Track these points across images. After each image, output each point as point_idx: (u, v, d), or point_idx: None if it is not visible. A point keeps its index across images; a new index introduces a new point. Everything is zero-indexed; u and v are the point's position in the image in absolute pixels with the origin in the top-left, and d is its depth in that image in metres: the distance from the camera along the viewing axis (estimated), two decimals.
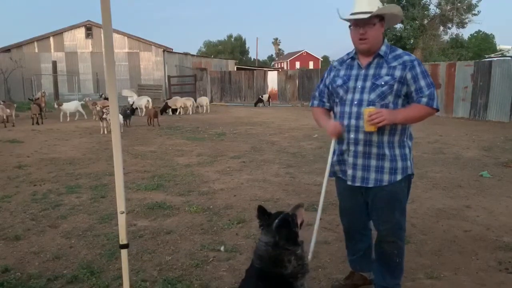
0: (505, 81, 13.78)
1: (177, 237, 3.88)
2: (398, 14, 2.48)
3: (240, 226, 4.13)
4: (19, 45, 28.06)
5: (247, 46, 74.35)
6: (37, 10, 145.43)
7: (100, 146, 9.25)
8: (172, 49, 30.87)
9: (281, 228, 2.12)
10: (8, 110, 13.61)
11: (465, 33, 70.81)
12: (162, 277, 3.09)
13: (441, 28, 29.78)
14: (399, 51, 2.50)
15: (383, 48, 2.46)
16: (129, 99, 18.90)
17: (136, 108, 16.85)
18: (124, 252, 2.26)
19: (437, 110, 2.43)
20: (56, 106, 15.74)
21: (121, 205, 2.19)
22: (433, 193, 5.30)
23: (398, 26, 25.74)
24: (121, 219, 2.21)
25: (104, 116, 11.38)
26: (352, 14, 2.38)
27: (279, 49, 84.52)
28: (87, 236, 3.92)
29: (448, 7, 27.27)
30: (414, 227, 4.05)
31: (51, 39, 28.55)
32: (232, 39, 72.30)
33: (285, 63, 76.44)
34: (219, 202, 4.98)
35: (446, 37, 32.12)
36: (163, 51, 29.75)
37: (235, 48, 70.25)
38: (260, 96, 23.23)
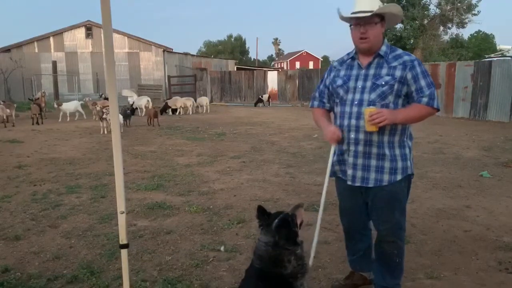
0: (505, 81, 13.78)
1: (177, 237, 3.88)
2: (398, 14, 2.49)
3: (240, 226, 4.13)
4: (19, 45, 28.07)
5: (247, 46, 74.48)
6: (37, 10, 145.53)
7: (100, 146, 9.25)
8: (172, 49, 30.88)
9: (281, 228, 2.12)
10: (8, 110, 13.61)
11: (465, 33, 70.96)
12: (162, 277, 3.09)
13: (441, 28, 29.79)
14: (399, 51, 2.50)
15: (383, 48, 2.47)
16: (129, 99, 18.91)
17: (136, 108, 16.85)
18: (124, 252, 2.26)
19: (438, 109, 2.43)
20: (55, 106, 15.74)
21: (121, 205, 2.19)
22: (433, 193, 5.30)
23: (398, 26, 25.74)
24: (121, 219, 2.21)
25: (104, 116, 11.38)
26: (353, 13, 2.39)
27: (279, 49, 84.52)
28: (87, 236, 3.92)
29: (448, 7, 27.27)
30: (414, 227, 4.05)
31: (51, 39, 28.56)
32: (232, 39, 72.31)
33: (285, 63, 76.44)
34: (219, 202, 4.98)
35: (446, 37, 32.16)
36: (163, 51, 29.76)
37: (235, 48, 70.26)
38: (260, 96, 23.23)
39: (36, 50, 28.25)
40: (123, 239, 2.24)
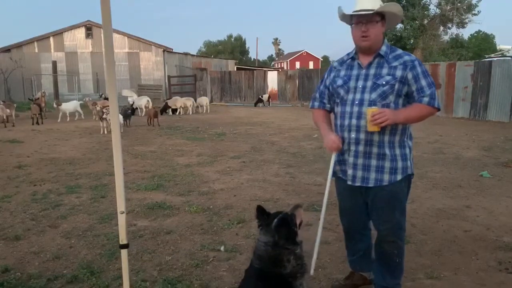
0: (505, 81, 13.78)
1: (177, 237, 3.88)
2: (398, 14, 2.49)
3: (240, 226, 4.13)
4: (19, 45, 28.06)
5: (247, 46, 74.50)
6: (37, 10, 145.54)
7: (100, 146, 9.25)
8: (172, 49, 30.87)
9: (280, 227, 2.12)
10: (8, 110, 13.61)
11: (465, 33, 70.99)
12: (162, 277, 3.09)
13: (441, 28, 29.81)
14: (399, 51, 2.51)
15: (384, 48, 2.47)
16: (129, 99, 18.90)
17: (136, 108, 16.85)
18: (124, 252, 2.26)
19: (439, 109, 2.43)
20: (55, 106, 15.74)
21: (121, 205, 2.19)
22: (433, 193, 5.30)
23: (398, 26, 25.74)
24: (121, 219, 2.21)
25: (104, 116, 11.38)
26: (354, 11, 2.39)
27: (279, 49, 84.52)
28: (87, 236, 3.92)
29: (448, 7, 27.29)
30: (414, 227, 4.05)
31: (51, 39, 28.55)
32: (232, 39, 72.32)
33: (285, 63, 76.44)
34: (219, 202, 4.98)
35: (446, 37, 32.20)
36: (163, 51, 29.75)
37: (235, 48, 70.26)
38: (260, 96, 23.23)
39: (36, 50, 28.24)
40: (123, 239, 2.24)
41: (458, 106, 15.43)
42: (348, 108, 2.50)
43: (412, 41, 27.62)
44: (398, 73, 2.41)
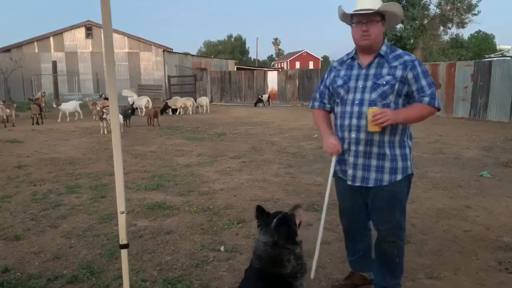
0: (505, 81, 13.78)
1: (177, 237, 3.88)
2: (398, 14, 2.49)
3: (240, 226, 4.13)
4: (19, 45, 28.07)
5: (247, 46, 74.49)
6: (37, 10, 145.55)
7: (100, 146, 9.25)
8: (172, 49, 30.88)
9: (280, 227, 2.12)
10: (8, 110, 13.61)
11: (465, 33, 70.97)
12: (162, 277, 3.09)
13: (441, 28, 29.81)
14: (399, 51, 2.51)
15: (384, 48, 2.47)
16: (129, 99, 18.91)
17: (136, 108, 16.85)
18: (124, 252, 2.26)
19: (439, 109, 2.44)
20: (54, 106, 15.73)
21: (121, 205, 2.19)
22: (433, 193, 5.30)
23: (398, 26, 25.75)
24: (121, 219, 2.21)
25: (104, 116, 11.38)
26: (355, 11, 2.39)
27: (279, 49, 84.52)
28: (87, 236, 3.92)
29: (448, 7, 27.28)
30: (414, 227, 4.05)
31: (51, 39, 28.56)
32: (232, 39, 72.31)
33: (285, 63, 76.45)
34: (219, 202, 4.98)
35: (446, 37, 32.19)
36: (163, 51, 29.76)
37: (235, 48, 70.25)
38: (260, 96, 23.23)
39: (36, 50, 28.25)
40: (123, 239, 2.24)
41: (458, 106, 15.43)
42: (348, 108, 2.50)
43: (412, 41, 27.62)
44: (398, 73, 2.41)
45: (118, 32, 27.81)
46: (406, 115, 2.40)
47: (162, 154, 8.32)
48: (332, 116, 2.72)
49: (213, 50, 68.46)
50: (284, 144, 9.48)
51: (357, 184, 2.54)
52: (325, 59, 79.78)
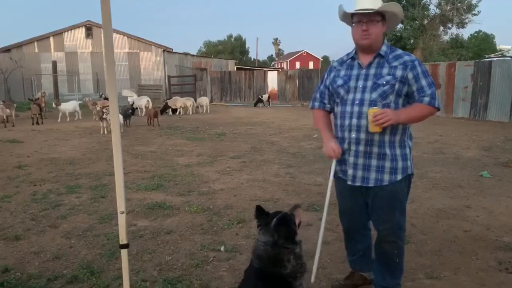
0: (505, 81, 13.78)
1: (177, 237, 3.88)
2: (398, 14, 2.49)
3: (240, 226, 4.13)
4: (19, 45, 28.07)
5: (247, 46, 74.49)
6: (37, 10, 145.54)
7: (100, 146, 9.25)
8: (172, 49, 30.89)
9: (280, 226, 2.12)
10: (8, 110, 13.61)
11: (465, 33, 70.93)
12: (162, 277, 3.09)
13: (441, 28, 29.81)
14: (399, 51, 2.51)
15: (384, 48, 2.47)
16: (129, 99, 18.91)
17: (136, 108, 16.85)
18: (124, 252, 2.26)
19: (439, 109, 2.44)
20: (53, 106, 15.72)
21: (121, 205, 2.19)
22: (433, 193, 5.30)
23: (398, 26, 25.72)
24: (121, 219, 2.21)
25: (104, 116, 11.38)
26: (356, 10, 2.40)
27: (279, 49, 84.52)
28: (87, 236, 3.92)
29: (448, 7, 27.29)
30: (414, 227, 4.05)
31: (51, 39, 28.56)
32: (232, 39, 72.31)
33: (285, 63, 76.44)
34: (219, 202, 4.98)
35: (446, 37, 32.19)
36: (163, 51, 29.76)
37: (235, 48, 70.25)
38: (260, 96, 23.23)
39: (36, 50, 28.25)
40: (123, 239, 2.24)
41: (458, 106, 15.43)
42: (348, 108, 2.50)
43: (412, 41, 27.62)
44: (399, 73, 2.41)
45: (118, 32, 27.81)
46: (407, 115, 2.40)
47: (162, 154, 8.32)
48: (332, 116, 2.72)
49: (213, 50, 68.46)
50: (284, 144, 9.48)
51: (357, 184, 2.54)
52: (325, 59, 79.77)
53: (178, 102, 17.91)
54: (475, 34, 49.85)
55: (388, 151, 2.46)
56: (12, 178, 6.23)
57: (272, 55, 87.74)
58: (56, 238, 3.89)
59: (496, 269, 3.19)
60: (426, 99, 2.39)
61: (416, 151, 7.42)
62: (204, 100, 19.48)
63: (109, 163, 7.10)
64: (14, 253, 3.55)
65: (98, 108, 13.38)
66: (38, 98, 16.48)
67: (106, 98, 15.92)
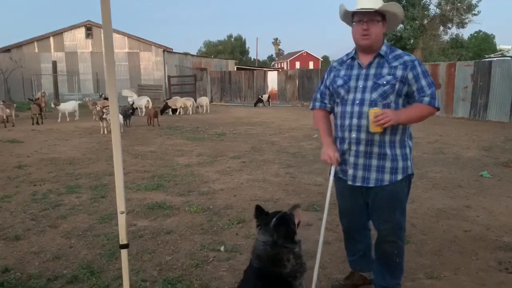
0: (505, 81, 13.78)
1: (177, 237, 3.88)
2: (399, 15, 2.49)
3: (240, 226, 4.13)
4: (19, 45, 28.07)
5: (247, 46, 74.51)
6: (37, 10, 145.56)
7: (100, 146, 9.25)
8: (172, 49, 30.89)
9: (279, 226, 2.12)
10: (8, 110, 13.61)
11: (465, 33, 70.93)
12: (162, 277, 3.09)
13: (441, 28, 29.82)
14: (399, 51, 2.51)
15: (384, 48, 2.47)
16: (129, 99, 18.92)
17: (136, 108, 16.85)
18: (124, 252, 2.26)
19: (438, 109, 2.44)
20: (52, 106, 15.70)
21: (121, 205, 2.19)
22: (433, 193, 5.30)
23: (398, 26, 25.73)
24: (121, 219, 2.21)
25: (104, 116, 11.38)
26: (356, 10, 2.40)
27: (279, 49, 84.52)
28: (87, 236, 3.92)
29: (448, 7, 27.29)
30: (414, 227, 4.05)
31: (51, 39, 28.56)
32: (232, 39, 72.31)
33: (285, 63, 76.44)
34: (219, 202, 4.98)
35: (446, 37, 32.19)
36: (163, 51, 29.76)
37: (235, 48, 70.25)
38: (259, 96, 23.23)
39: (36, 50, 28.25)
40: (123, 239, 2.24)
41: (458, 106, 15.43)
42: (348, 108, 2.50)
43: (412, 41, 27.63)
44: (399, 73, 2.41)
45: (118, 32, 27.81)
46: (407, 115, 2.40)
47: (162, 154, 8.32)
48: (332, 116, 2.72)
49: (213, 50, 68.46)
50: (284, 144, 9.48)
51: (358, 184, 2.54)
52: (325, 59, 79.77)
53: (178, 102, 17.91)
54: (475, 34, 49.88)
55: (388, 151, 2.46)
56: (12, 178, 6.23)
57: (272, 55, 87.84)
58: (56, 238, 3.89)
59: (496, 269, 3.19)
60: (426, 99, 2.39)
61: (416, 151, 7.42)
62: (204, 100, 19.48)
63: (109, 163, 7.10)
64: (14, 253, 3.55)
65: (98, 108, 13.38)
66: (38, 98, 16.48)
67: (106, 98, 15.92)
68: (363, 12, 2.37)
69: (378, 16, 2.39)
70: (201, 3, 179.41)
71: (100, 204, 4.92)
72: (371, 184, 2.50)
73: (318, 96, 2.74)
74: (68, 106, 15.57)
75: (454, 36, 32.36)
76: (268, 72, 26.46)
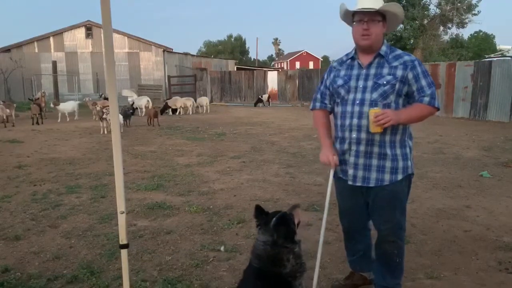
0: (505, 81, 13.78)
1: (177, 237, 3.88)
2: (399, 15, 2.49)
3: (240, 226, 4.13)
4: (19, 45, 28.08)
5: (247, 46, 74.51)
6: (37, 10, 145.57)
7: (100, 146, 9.25)
8: (172, 49, 30.89)
9: (279, 226, 2.12)
10: (8, 110, 13.61)
11: (465, 33, 70.91)
12: (162, 277, 3.09)
13: (441, 28, 29.83)
14: (399, 51, 2.52)
15: (384, 48, 2.47)
16: (129, 99, 18.92)
17: (136, 108, 16.85)
18: (124, 252, 2.26)
19: (438, 109, 2.44)
20: (52, 105, 15.68)
21: (121, 205, 2.19)
22: (433, 193, 5.30)
23: (398, 26, 25.72)
24: (121, 219, 2.21)
25: (104, 116, 11.38)
26: (357, 9, 2.40)
27: (279, 49, 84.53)
28: (87, 236, 3.92)
29: (448, 7, 27.29)
30: (414, 227, 4.05)
31: (51, 39, 28.57)
32: (232, 39, 72.32)
33: (285, 63, 76.44)
34: (219, 202, 4.98)
35: (446, 37, 32.21)
36: (163, 51, 29.77)
37: (235, 48, 70.25)
38: (259, 96, 23.23)
39: (36, 50, 28.25)
40: (123, 239, 2.24)
41: (458, 106, 15.43)
42: (349, 108, 2.50)
43: (412, 41, 27.63)
44: (399, 72, 2.41)
45: (118, 32, 27.82)
46: (407, 115, 2.41)
47: (162, 154, 8.32)
48: (331, 116, 2.72)
49: (213, 50, 68.45)
50: (284, 144, 9.48)
51: (358, 184, 2.54)
52: (325, 59, 79.77)
53: (178, 102, 17.91)
54: (475, 34, 49.86)
55: (388, 151, 2.46)
56: (12, 178, 6.23)
57: (272, 55, 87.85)
58: (56, 238, 3.89)
59: (496, 269, 3.19)
60: (426, 99, 2.39)
61: (416, 151, 7.42)
62: (204, 100, 19.48)
63: (109, 163, 7.10)
64: (14, 253, 3.55)
65: (98, 108, 13.38)
66: (38, 98, 16.49)
67: (106, 98, 15.92)
68: (363, 12, 2.37)
69: (379, 16, 2.40)
70: (201, 3, 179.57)
71: (100, 204, 4.92)
72: (372, 184, 2.50)
73: (318, 96, 2.73)
74: (68, 106, 15.57)
75: (454, 36, 32.40)
76: (268, 72, 26.47)
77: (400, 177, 2.48)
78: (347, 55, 2.63)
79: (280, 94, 24.63)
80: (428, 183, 5.77)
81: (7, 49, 27.75)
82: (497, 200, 5.00)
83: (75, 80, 25.62)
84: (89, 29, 28.69)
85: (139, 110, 17.20)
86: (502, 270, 3.17)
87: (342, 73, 2.57)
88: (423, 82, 2.40)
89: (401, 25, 26.47)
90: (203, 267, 3.26)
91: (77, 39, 28.80)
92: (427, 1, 27.90)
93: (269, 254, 2.10)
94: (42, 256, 3.49)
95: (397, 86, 2.41)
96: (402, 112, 2.41)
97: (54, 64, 24.03)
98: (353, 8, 2.41)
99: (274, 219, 2.15)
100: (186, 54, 34.08)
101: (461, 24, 28.37)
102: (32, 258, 3.45)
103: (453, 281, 3.02)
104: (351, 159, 2.53)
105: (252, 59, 69.73)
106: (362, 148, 2.48)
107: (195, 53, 46.25)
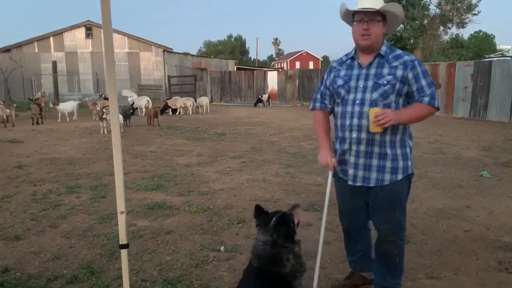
0: (505, 81, 13.78)
1: (177, 237, 3.88)
2: (399, 16, 2.49)
3: (240, 226, 4.13)
4: (19, 45, 28.07)
5: (247, 46, 74.52)
6: (37, 10, 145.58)
7: (100, 146, 9.25)
8: (172, 49, 30.89)
9: (279, 226, 2.12)
10: (8, 110, 13.62)
11: (465, 33, 70.86)
12: (162, 277, 3.09)
13: (441, 28, 29.82)
14: (399, 51, 2.52)
15: (384, 48, 2.47)
16: (129, 99, 18.92)
17: (136, 108, 16.85)
18: (124, 252, 2.26)
19: (438, 109, 2.45)
20: (51, 105, 15.68)
21: (121, 205, 2.19)
22: (433, 193, 5.30)
23: (398, 27, 25.69)
24: (121, 219, 2.21)
25: (104, 116, 11.38)
26: (357, 9, 2.40)
27: (279, 49, 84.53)
28: (87, 236, 3.92)
29: (448, 7, 27.29)
30: (414, 227, 4.05)
31: (51, 39, 28.56)
32: (232, 39, 72.31)
33: (285, 63, 76.44)
34: (219, 202, 4.98)
35: (446, 37, 32.22)
36: (163, 51, 29.76)
37: (235, 48, 70.25)
38: (259, 96, 23.23)
39: (36, 50, 28.25)
40: (123, 239, 2.24)
41: (458, 106, 15.43)
42: (349, 108, 2.50)
43: (412, 41, 27.62)
44: (399, 72, 2.41)
45: (118, 32, 27.82)
46: (407, 115, 2.41)
47: (162, 154, 8.32)
48: (331, 116, 2.72)
49: (213, 50, 68.46)
50: (284, 144, 9.48)
51: (358, 184, 2.54)
52: (325, 59, 79.77)
53: (178, 102, 17.91)
54: (475, 34, 49.85)
55: (389, 150, 2.46)
56: (12, 178, 6.23)
57: (272, 55, 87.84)
58: (56, 238, 3.89)
59: (496, 269, 3.19)
60: (426, 99, 2.39)
61: (416, 151, 7.42)
62: (204, 100, 19.48)
63: (109, 163, 7.10)
64: (14, 253, 3.55)
65: (98, 108, 13.38)
66: (38, 98, 16.49)
67: (106, 98, 15.92)
68: (364, 11, 2.37)
69: (379, 16, 2.40)
70: (201, 3, 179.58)
71: (100, 204, 4.92)
72: (372, 184, 2.50)
73: (318, 96, 2.73)
74: (67, 106, 15.57)
75: (454, 36, 32.43)
76: (268, 72, 26.47)
77: (400, 177, 2.48)
78: (347, 55, 2.63)
79: (280, 94, 24.63)
80: (428, 183, 5.77)
81: (7, 49, 27.75)
82: (497, 200, 5.00)
83: (75, 80, 25.62)
84: (89, 29, 28.69)
85: (139, 110, 17.20)
86: (502, 270, 3.17)
87: (342, 73, 2.57)
88: (423, 82, 2.41)
89: (401, 25, 26.46)
90: (203, 267, 3.27)
91: (77, 39, 28.80)
92: (427, 1, 27.93)
93: (269, 254, 2.10)
94: (42, 256, 3.49)
95: (397, 86, 2.41)
96: (402, 112, 2.41)
97: (54, 64, 24.03)
98: (353, 8, 2.42)
99: (274, 219, 2.15)
100: (186, 54, 34.08)
101: (461, 24, 28.37)
102: (32, 258, 3.45)
103: (453, 281, 3.02)
104: (351, 159, 2.53)
105: (252, 59, 69.75)
106: (362, 148, 2.48)
107: (195, 53, 46.28)
